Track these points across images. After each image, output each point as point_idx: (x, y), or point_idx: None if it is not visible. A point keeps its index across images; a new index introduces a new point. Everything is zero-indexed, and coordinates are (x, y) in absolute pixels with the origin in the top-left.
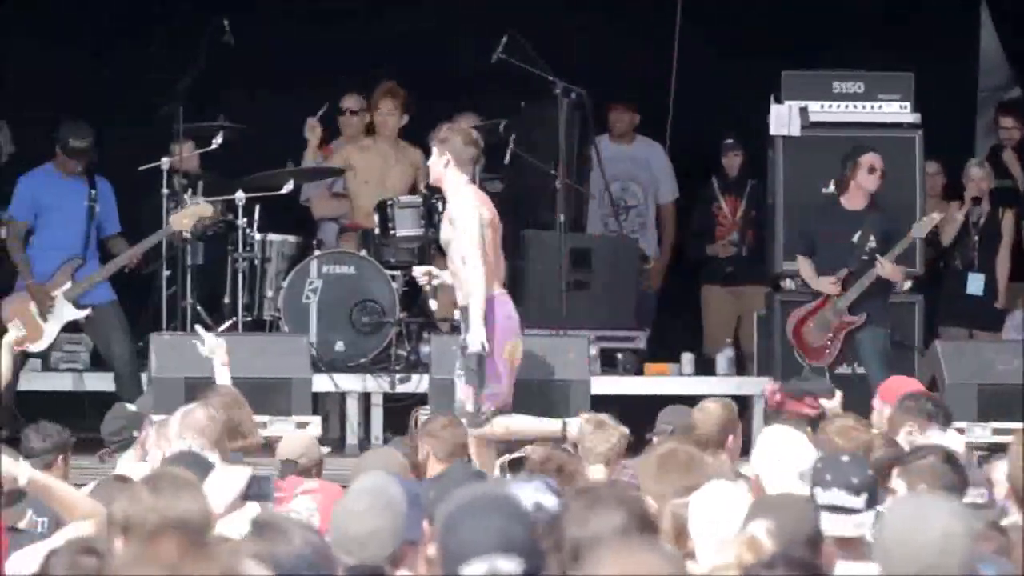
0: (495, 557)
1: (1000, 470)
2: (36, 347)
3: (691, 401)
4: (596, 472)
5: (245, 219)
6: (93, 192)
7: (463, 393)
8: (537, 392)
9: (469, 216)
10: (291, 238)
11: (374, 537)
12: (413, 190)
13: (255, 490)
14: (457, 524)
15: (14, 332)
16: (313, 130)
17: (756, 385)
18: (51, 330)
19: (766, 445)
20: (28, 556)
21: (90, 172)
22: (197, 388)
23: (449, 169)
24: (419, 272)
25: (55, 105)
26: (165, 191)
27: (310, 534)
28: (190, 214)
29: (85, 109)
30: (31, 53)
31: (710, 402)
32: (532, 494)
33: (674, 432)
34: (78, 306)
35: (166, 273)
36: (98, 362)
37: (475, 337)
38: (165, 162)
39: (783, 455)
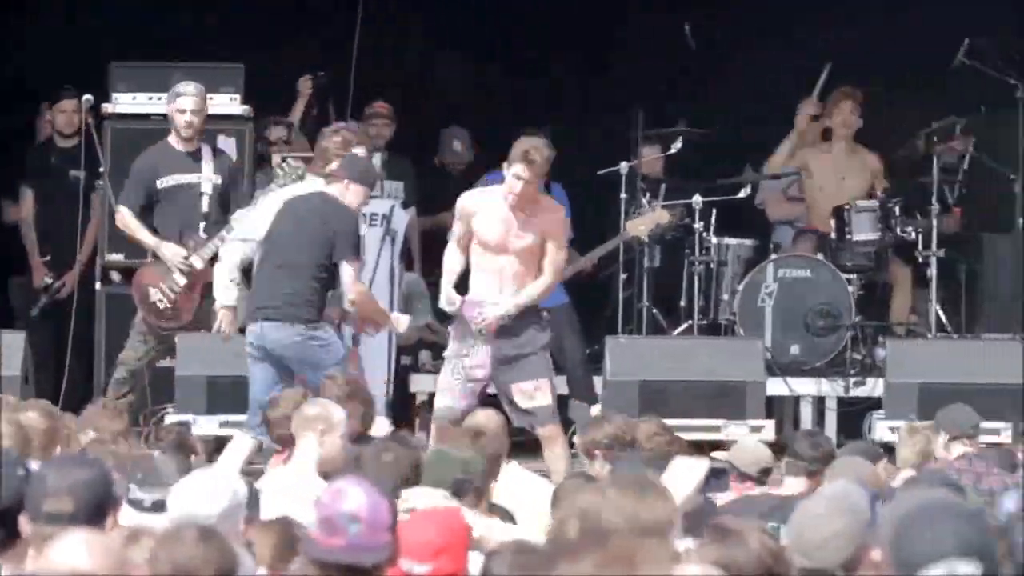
0: (954, 560)
1: None
2: None
3: None
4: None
5: (702, 223)
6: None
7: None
8: (996, 395)
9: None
10: (747, 241)
11: (830, 542)
12: (869, 195)
13: (713, 483)
14: (913, 528)
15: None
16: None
17: None
18: None
19: None
20: None
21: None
22: (651, 391)
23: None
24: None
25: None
26: (623, 195)
27: (766, 537)
28: (647, 221)
29: (546, 113)
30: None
31: None
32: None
33: None
34: None
35: (623, 276)
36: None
37: None
38: (624, 167)
39: None
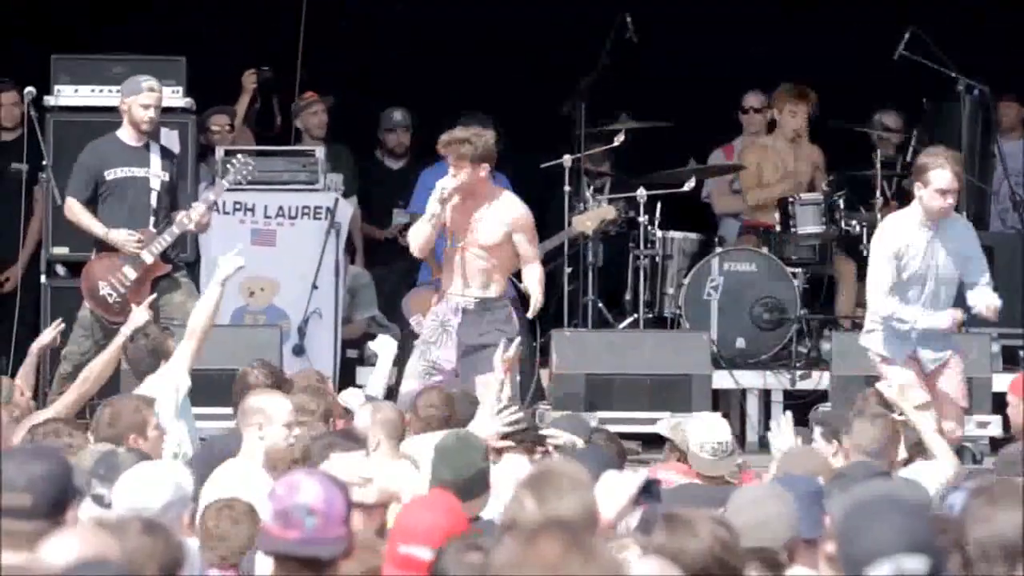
0: (901, 557)
1: None
2: None
3: None
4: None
5: (647, 216)
6: None
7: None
8: None
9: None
10: (692, 235)
11: (768, 525)
12: (811, 187)
13: (648, 493)
14: (860, 524)
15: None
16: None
17: None
18: None
19: None
20: None
21: None
22: (597, 384)
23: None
24: None
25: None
26: (567, 189)
27: (718, 527)
28: (593, 216)
29: (487, 107)
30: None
31: None
32: None
33: None
34: None
35: (568, 270)
36: None
37: None
38: (567, 159)
39: None
